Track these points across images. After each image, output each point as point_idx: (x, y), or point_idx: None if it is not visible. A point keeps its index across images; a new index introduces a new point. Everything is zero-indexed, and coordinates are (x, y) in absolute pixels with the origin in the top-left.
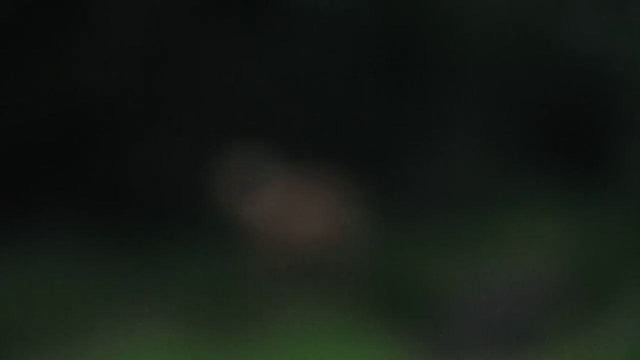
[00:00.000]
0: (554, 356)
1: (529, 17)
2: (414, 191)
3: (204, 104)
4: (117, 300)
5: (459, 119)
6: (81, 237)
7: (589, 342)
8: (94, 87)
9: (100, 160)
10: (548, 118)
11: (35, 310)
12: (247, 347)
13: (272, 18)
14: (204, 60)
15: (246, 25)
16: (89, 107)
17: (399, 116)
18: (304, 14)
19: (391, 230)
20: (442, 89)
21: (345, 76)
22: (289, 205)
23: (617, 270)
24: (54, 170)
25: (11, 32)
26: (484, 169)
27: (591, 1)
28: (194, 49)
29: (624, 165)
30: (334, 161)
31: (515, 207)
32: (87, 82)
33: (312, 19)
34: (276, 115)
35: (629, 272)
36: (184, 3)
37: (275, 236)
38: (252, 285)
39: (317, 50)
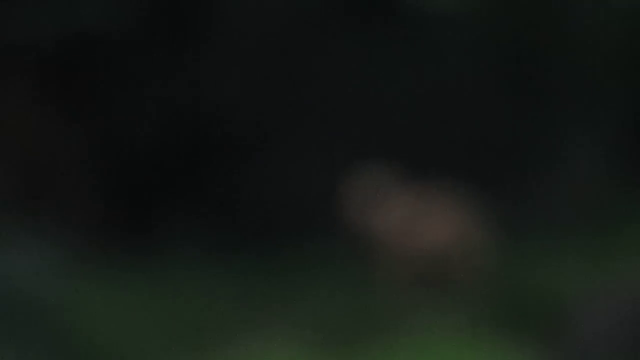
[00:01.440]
0: None
1: None
2: (538, 205)
3: (332, 120)
4: (248, 314)
5: (584, 133)
6: (211, 252)
7: None
8: (223, 102)
9: (230, 175)
10: None
11: (165, 323)
12: (374, 358)
13: (395, 31)
14: (332, 77)
15: (369, 39)
16: (218, 122)
17: (524, 130)
18: (427, 32)
19: (515, 243)
20: (566, 102)
21: (467, 91)
22: (414, 220)
23: None
24: (184, 185)
25: (138, 46)
26: (608, 183)
27: None
28: (321, 65)
29: None
30: (458, 176)
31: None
32: (215, 97)
33: (438, 34)
34: (402, 131)
35: None
36: (308, 19)
37: (402, 249)
38: (380, 298)
39: (440, 65)
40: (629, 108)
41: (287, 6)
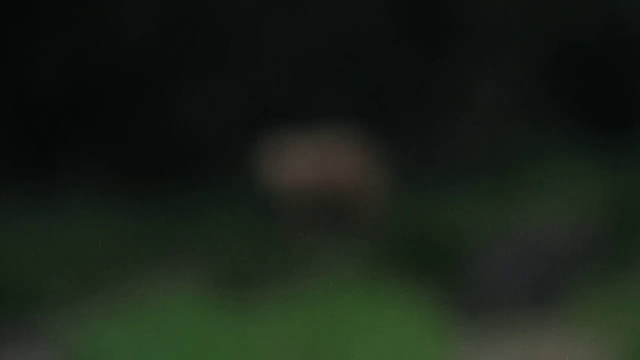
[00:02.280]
0: (581, 312)
1: None
2: (444, 147)
3: (244, 65)
4: (150, 253)
5: (491, 75)
6: (113, 193)
7: (617, 298)
8: (130, 43)
9: (138, 114)
10: (580, 74)
11: (68, 263)
12: (273, 301)
13: None
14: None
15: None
16: (127, 60)
17: (429, 71)
18: None
19: (420, 185)
20: (474, 45)
21: (374, 37)
22: (317, 164)
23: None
24: (86, 126)
25: None
26: (514, 124)
27: None
28: (230, 11)
29: None
30: (362, 119)
31: (544, 163)
32: (124, 36)
33: None
34: (307, 75)
35: None
36: None
37: (305, 193)
38: (281, 241)
39: (343, 8)
40: (535, 47)
41: None
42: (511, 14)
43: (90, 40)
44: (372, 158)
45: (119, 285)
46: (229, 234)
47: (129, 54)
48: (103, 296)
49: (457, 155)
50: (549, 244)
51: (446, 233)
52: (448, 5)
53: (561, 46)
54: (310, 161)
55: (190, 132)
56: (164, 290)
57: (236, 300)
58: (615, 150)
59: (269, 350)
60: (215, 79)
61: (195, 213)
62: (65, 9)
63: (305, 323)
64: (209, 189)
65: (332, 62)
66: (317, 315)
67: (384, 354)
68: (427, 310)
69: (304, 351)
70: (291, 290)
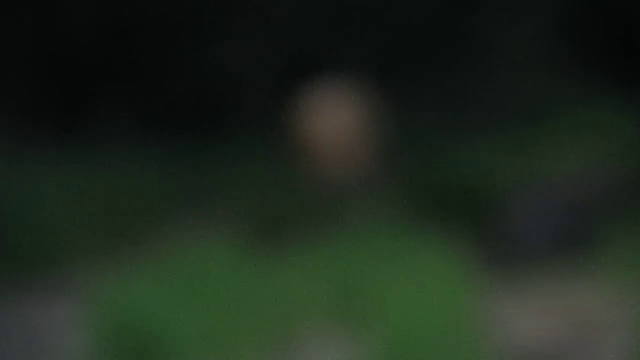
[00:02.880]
0: (609, 263)
1: None
2: (469, 98)
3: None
4: (177, 205)
5: (513, 25)
6: (144, 145)
7: None
8: None
9: (165, 64)
10: (606, 26)
11: (99, 216)
12: (304, 250)
13: None
14: None
15: None
16: (157, 13)
17: (450, 18)
18: None
19: (447, 136)
20: None
21: None
22: (341, 117)
23: None
24: (118, 77)
25: None
26: (540, 74)
27: None
28: None
29: None
30: (386, 72)
31: (571, 113)
32: None
33: None
34: (310, 29)
35: None
36: None
37: (330, 145)
38: (312, 192)
39: None
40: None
41: None
42: None
43: None
44: (393, 110)
45: (150, 237)
46: (260, 184)
47: (161, 5)
48: (134, 249)
49: (484, 106)
50: (576, 195)
51: (473, 184)
52: None
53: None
54: (334, 113)
55: (221, 84)
56: (196, 242)
57: (268, 250)
58: None
59: (300, 299)
60: (240, 34)
61: (225, 165)
62: None
63: (336, 271)
64: (239, 141)
65: (349, 14)
66: (348, 264)
67: (411, 302)
68: (454, 260)
69: (334, 298)
70: (322, 240)
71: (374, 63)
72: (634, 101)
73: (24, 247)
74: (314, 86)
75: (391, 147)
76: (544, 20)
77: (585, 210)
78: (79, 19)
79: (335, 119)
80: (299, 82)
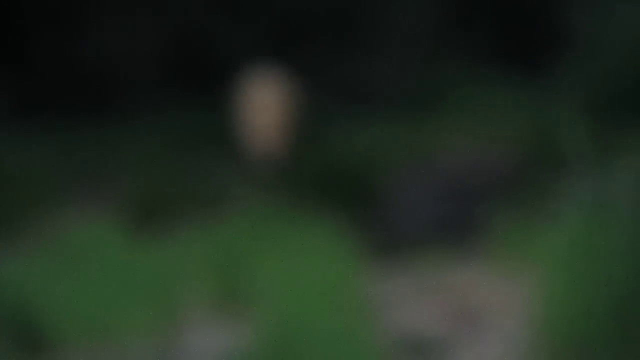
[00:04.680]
0: (496, 245)
1: None
2: (361, 80)
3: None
4: (68, 185)
5: (405, 9)
6: (27, 128)
7: (530, 237)
8: None
9: (62, 40)
10: (496, 12)
11: None
12: (191, 230)
13: None
14: None
15: None
16: None
17: (342, 9)
18: None
19: (337, 118)
20: None
21: None
22: (245, 102)
23: (559, 161)
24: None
25: None
26: (433, 55)
27: None
28: None
29: (569, 55)
30: (285, 58)
31: (462, 93)
32: None
33: None
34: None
35: (572, 163)
36: None
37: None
38: (201, 172)
39: None
40: None
41: None
42: None
43: None
44: (293, 95)
45: (34, 219)
46: (149, 165)
47: None
48: (18, 231)
49: (376, 87)
50: (466, 176)
51: (361, 164)
52: None
53: None
54: (239, 99)
55: (119, 62)
56: (80, 223)
57: (154, 232)
58: (534, 82)
59: (184, 281)
60: (140, 14)
61: (113, 146)
62: None
63: (220, 253)
64: (129, 122)
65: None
66: (233, 246)
67: (295, 285)
68: (339, 243)
69: (218, 280)
70: (209, 220)
71: (266, 48)
72: (522, 85)
73: None
74: (211, 70)
75: (286, 129)
76: (435, 5)
77: (469, 195)
78: None
79: (268, 104)
80: (188, 63)
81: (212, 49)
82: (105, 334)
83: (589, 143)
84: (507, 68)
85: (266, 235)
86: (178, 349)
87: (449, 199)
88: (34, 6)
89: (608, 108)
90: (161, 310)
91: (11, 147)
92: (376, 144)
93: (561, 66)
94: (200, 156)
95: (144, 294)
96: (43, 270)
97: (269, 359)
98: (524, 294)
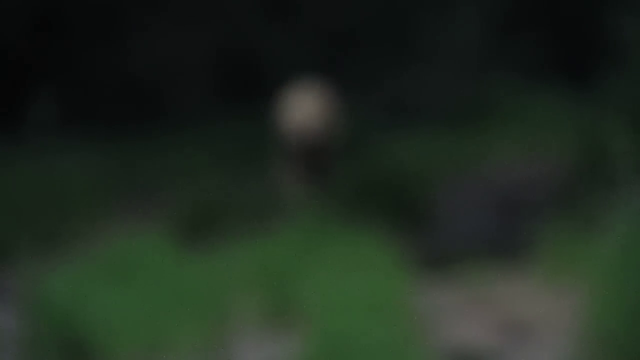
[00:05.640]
0: (544, 259)
1: None
2: (410, 93)
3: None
4: (117, 195)
5: (453, 22)
6: (75, 137)
7: (579, 250)
8: None
9: (99, 59)
10: (548, 16)
11: (33, 211)
12: (239, 240)
13: None
14: None
15: None
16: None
17: (389, 30)
18: None
19: (387, 130)
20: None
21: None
22: (294, 116)
23: (608, 176)
24: (50, 70)
25: None
26: (480, 68)
27: None
28: None
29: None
30: (331, 73)
31: (512, 108)
32: None
33: None
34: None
35: (621, 175)
36: None
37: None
38: (248, 184)
39: None
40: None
41: None
42: None
43: None
44: (337, 108)
45: (84, 231)
46: (197, 176)
47: None
48: (69, 243)
49: (425, 99)
50: (514, 188)
51: (409, 177)
52: None
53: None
54: (287, 112)
55: (168, 74)
56: (130, 234)
57: (203, 242)
58: (584, 94)
59: (233, 290)
60: (189, 26)
61: (163, 156)
62: None
63: (269, 263)
64: (180, 133)
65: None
66: (282, 256)
67: (342, 294)
68: (388, 253)
69: (266, 289)
70: (257, 233)
71: (315, 61)
72: (572, 98)
73: None
74: (259, 83)
75: (337, 144)
76: (484, 18)
77: (517, 208)
78: (5, 14)
79: (310, 117)
80: (238, 78)
81: (261, 61)
82: (154, 347)
83: (637, 155)
84: (557, 80)
85: (314, 249)
86: None
87: (497, 211)
88: (85, 18)
89: None
90: (210, 323)
91: (61, 157)
92: (424, 157)
93: (610, 78)
94: (248, 168)
95: (192, 307)
96: (92, 283)
97: None
98: (573, 307)
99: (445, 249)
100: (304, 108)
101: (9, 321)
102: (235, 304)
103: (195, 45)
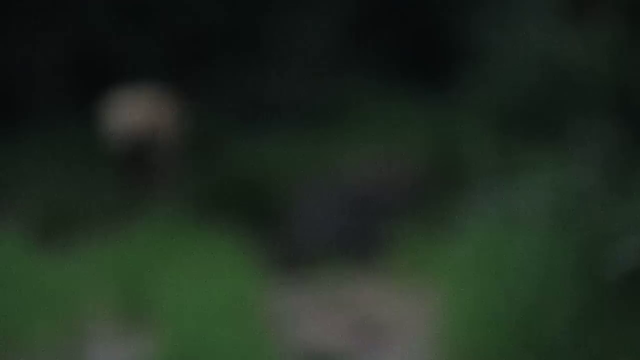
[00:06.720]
0: (399, 263)
1: None
2: (262, 97)
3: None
4: None
5: (309, 24)
6: None
7: (432, 252)
8: None
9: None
10: (397, 28)
11: None
12: (92, 244)
13: None
14: None
15: None
16: None
17: (243, 25)
18: None
19: (240, 133)
20: None
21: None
22: (136, 117)
23: (463, 175)
24: None
25: None
26: (332, 72)
27: None
28: None
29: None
30: (182, 74)
31: (363, 110)
32: None
33: None
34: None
35: (476, 177)
36: None
37: (126, 143)
38: (102, 186)
39: None
40: None
41: None
42: None
43: None
44: (178, 110)
45: None
46: (49, 179)
47: None
48: None
49: (279, 102)
50: (369, 191)
51: (264, 179)
52: None
53: None
54: (133, 113)
55: (19, 74)
56: None
57: (57, 244)
58: (439, 96)
59: (87, 292)
60: (43, 27)
61: (17, 161)
62: None
63: (123, 265)
64: (32, 138)
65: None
66: (135, 258)
67: (196, 296)
68: (242, 255)
69: (120, 291)
70: (111, 235)
71: (166, 64)
72: (427, 100)
73: None
74: (110, 86)
75: (185, 146)
76: (339, 21)
77: (372, 210)
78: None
79: (133, 119)
80: (89, 79)
81: (111, 62)
82: (7, 348)
83: (493, 157)
84: (412, 83)
85: (168, 250)
86: None
87: (352, 214)
88: None
89: (512, 122)
90: (63, 325)
91: None
92: (279, 159)
93: (465, 81)
94: (98, 170)
95: (46, 309)
96: None
97: None
98: (426, 309)
99: (301, 250)
100: (126, 110)
101: None
102: (89, 306)
103: (47, 45)
